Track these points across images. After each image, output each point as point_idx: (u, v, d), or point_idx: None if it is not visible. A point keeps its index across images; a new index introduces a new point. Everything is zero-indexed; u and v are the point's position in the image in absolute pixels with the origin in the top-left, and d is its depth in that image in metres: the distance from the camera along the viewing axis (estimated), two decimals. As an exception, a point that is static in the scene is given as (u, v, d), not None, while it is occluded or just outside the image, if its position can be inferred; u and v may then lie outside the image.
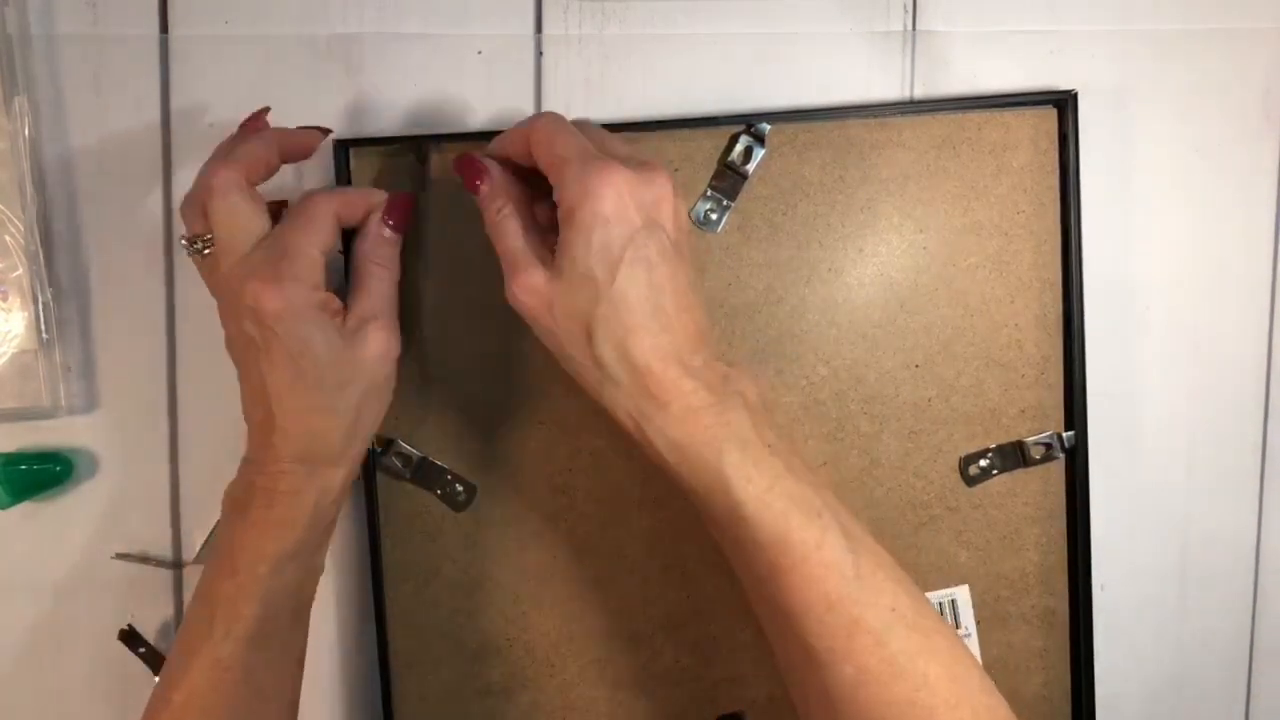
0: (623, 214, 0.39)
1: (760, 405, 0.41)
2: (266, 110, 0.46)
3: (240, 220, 0.42)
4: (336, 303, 0.43)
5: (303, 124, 0.49)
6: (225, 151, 0.43)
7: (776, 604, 0.39)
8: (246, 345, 0.42)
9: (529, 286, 0.41)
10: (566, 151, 0.40)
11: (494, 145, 0.44)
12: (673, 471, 0.41)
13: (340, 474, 0.44)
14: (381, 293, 0.45)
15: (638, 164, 0.40)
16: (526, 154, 0.42)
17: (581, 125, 0.43)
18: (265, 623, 0.42)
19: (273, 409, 0.42)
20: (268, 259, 0.42)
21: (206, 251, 0.43)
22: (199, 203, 0.43)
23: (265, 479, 0.43)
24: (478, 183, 0.44)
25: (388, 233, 0.46)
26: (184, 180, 0.50)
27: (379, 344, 0.44)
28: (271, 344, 0.42)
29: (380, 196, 0.46)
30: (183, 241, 0.44)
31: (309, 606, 0.45)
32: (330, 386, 0.42)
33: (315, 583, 0.45)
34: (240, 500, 0.43)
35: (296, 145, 0.46)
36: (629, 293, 0.39)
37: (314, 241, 0.43)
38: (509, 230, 0.42)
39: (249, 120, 0.45)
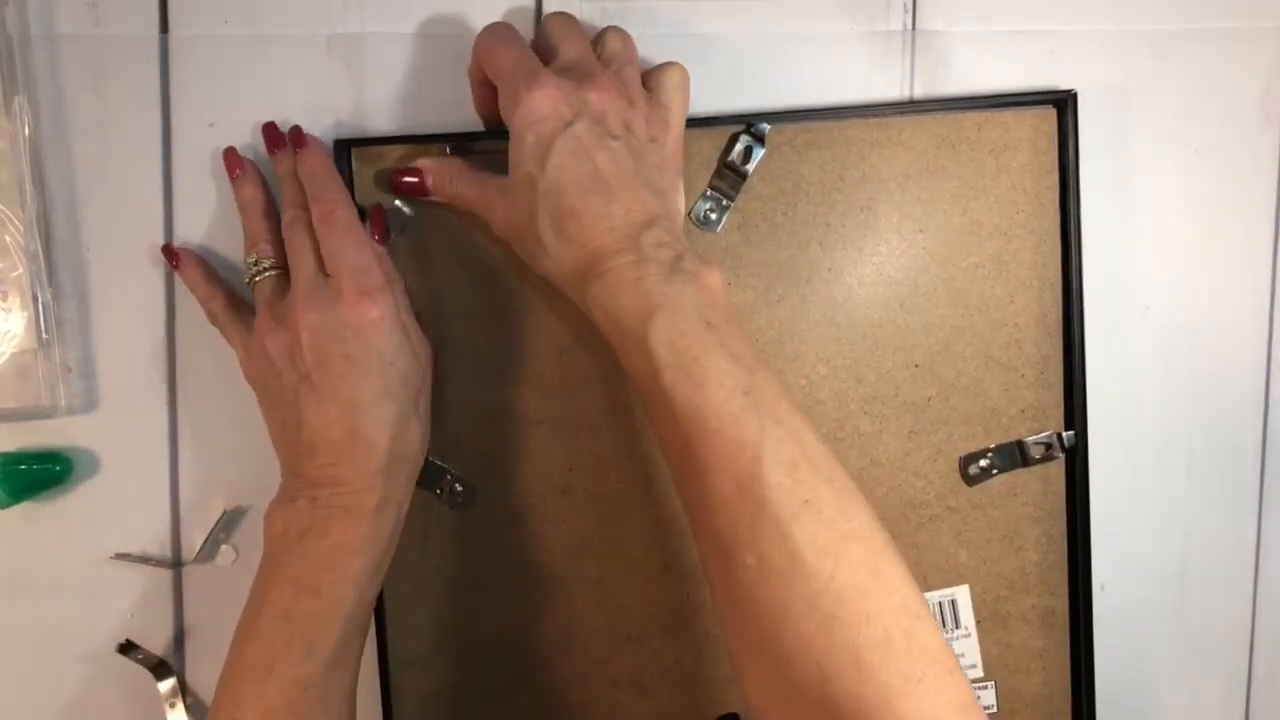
0: (553, 113, 0.40)
1: (720, 290, 0.39)
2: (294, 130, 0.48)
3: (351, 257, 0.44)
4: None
5: (303, 124, 0.49)
6: (325, 184, 0.46)
7: (692, 487, 0.37)
8: (324, 364, 0.43)
9: (499, 214, 0.43)
10: (503, 65, 0.42)
11: (470, 68, 0.46)
12: (614, 345, 0.40)
13: (412, 482, 0.46)
14: (404, 304, 0.46)
15: (581, 74, 0.41)
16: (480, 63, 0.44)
17: (550, 25, 0.44)
18: (344, 643, 0.43)
19: (358, 424, 0.43)
20: (346, 280, 0.43)
21: (265, 275, 0.46)
22: (274, 225, 0.47)
23: (350, 497, 0.43)
24: (420, 183, 0.46)
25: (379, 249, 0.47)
26: (184, 180, 0.50)
27: (428, 349, 0.47)
28: (368, 357, 0.43)
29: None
30: (251, 262, 0.47)
31: (370, 619, 0.46)
32: (411, 393, 0.44)
33: (377, 595, 0.46)
34: (317, 524, 0.43)
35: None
36: (561, 178, 0.40)
37: (366, 247, 0.45)
38: (465, 189, 0.45)
39: (296, 136, 0.48)
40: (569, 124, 0.40)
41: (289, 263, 0.45)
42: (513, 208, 0.42)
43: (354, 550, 0.43)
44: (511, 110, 0.41)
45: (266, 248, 0.46)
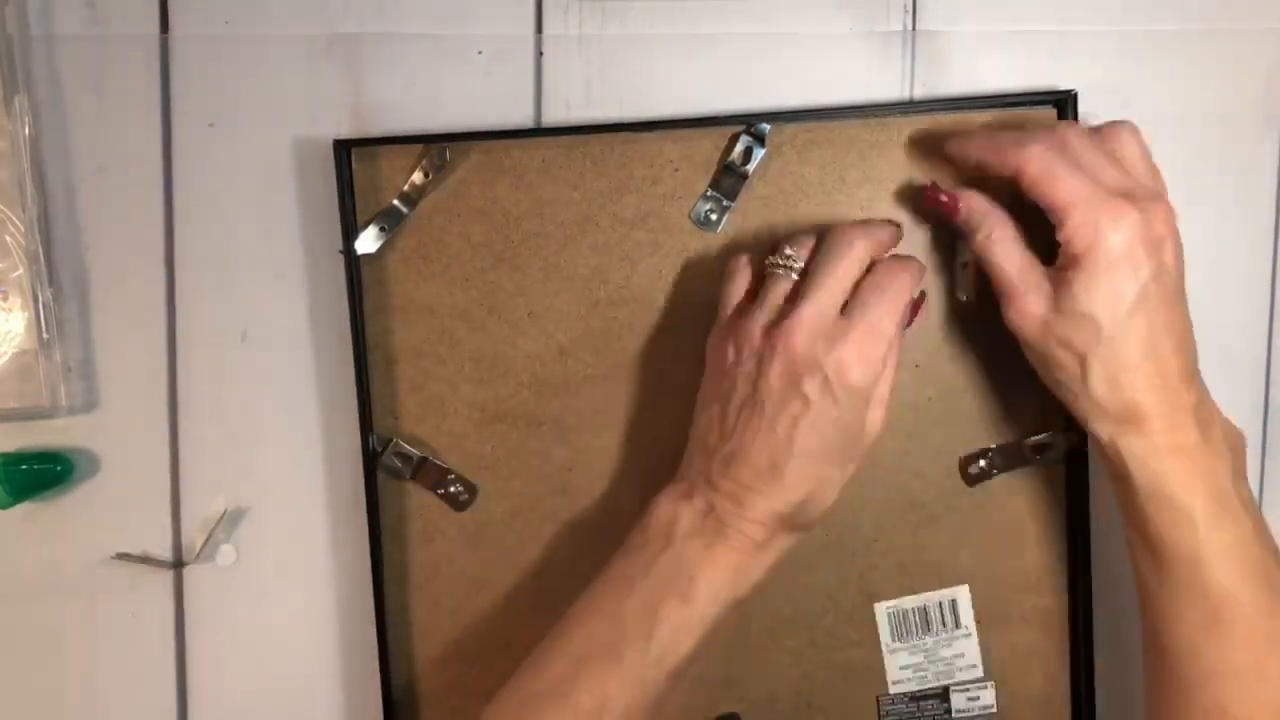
0: (1131, 260, 0.40)
1: (1241, 454, 0.42)
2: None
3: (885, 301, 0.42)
4: None
5: (303, 125, 0.49)
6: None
7: (1203, 656, 0.40)
8: (784, 392, 0.41)
9: (1029, 314, 0.42)
10: (1071, 195, 0.40)
11: (959, 148, 0.45)
12: (1139, 502, 0.42)
13: (790, 544, 0.44)
14: (889, 383, 0.44)
15: (1140, 198, 0.41)
16: (1006, 171, 0.42)
17: (1065, 137, 0.42)
18: (692, 661, 0.42)
19: (785, 465, 0.42)
20: (859, 332, 0.41)
21: (782, 272, 0.44)
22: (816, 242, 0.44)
23: (742, 523, 0.42)
24: (959, 206, 0.44)
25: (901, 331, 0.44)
26: (184, 180, 0.50)
27: (879, 428, 0.44)
28: (828, 411, 0.41)
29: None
30: (784, 254, 0.44)
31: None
32: (843, 462, 0.43)
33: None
34: (707, 529, 0.42)
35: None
36: (1129, 338, 0.40)
37: (895, 325, 0.42)
38: (1005, 254, 0.43)
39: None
40: (1145, 280, 0.40)
41: (819, 278, 0.42)
42: (1061, 333, 0.41)
43: (730, 575, 0.42)
44: (1088, 242, 0.40)
45: (802, 252, 0.44)
